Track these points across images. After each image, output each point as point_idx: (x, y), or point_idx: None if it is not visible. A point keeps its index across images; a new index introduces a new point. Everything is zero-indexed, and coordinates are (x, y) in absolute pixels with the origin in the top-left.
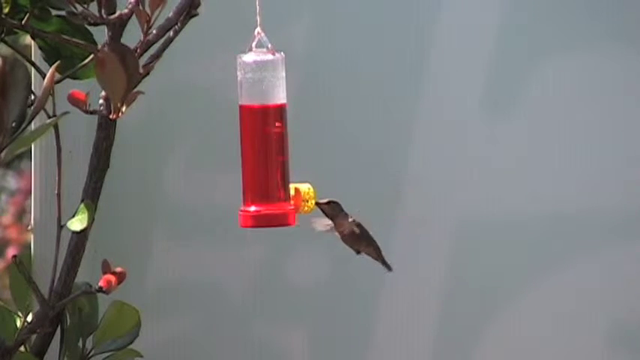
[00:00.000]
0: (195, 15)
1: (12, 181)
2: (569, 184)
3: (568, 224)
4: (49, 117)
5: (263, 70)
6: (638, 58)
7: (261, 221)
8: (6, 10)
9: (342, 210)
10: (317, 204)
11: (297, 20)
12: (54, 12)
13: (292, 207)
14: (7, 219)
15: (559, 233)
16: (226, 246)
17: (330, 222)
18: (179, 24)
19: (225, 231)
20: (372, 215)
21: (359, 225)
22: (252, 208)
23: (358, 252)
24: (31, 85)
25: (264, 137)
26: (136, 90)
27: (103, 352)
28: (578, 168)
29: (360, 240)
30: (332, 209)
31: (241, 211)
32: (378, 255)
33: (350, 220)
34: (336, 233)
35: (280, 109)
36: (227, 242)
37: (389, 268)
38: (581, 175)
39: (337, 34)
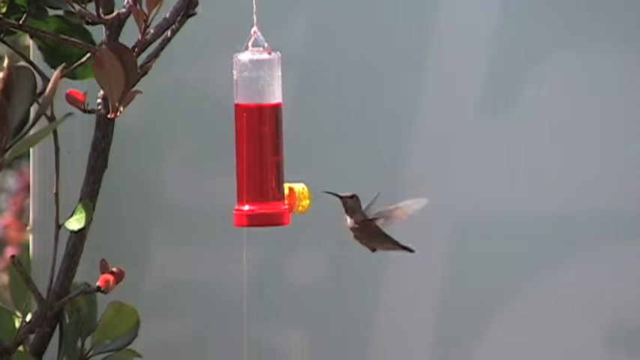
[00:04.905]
0: (193, 14)
1: (11, 181)
2: (569, 184)
3: (568, 224)
4: (47, 117)
5: (259, 70)
6: (638, 58)
7: (255, 221)
8: (3, 10)
9: (361, 206)
10: (340, 197)
11: (296, 19)
12: (52, 12)
13: (286, 207)
14: (7, 219)
15: (559, 233)
16: (226, 246)
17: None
18: (177, 23)
19: (225, 231)
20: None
21: (375, 221)
22: (247, 208)
23: (374, 250)
24: (35, 88)
25: (259, 137)
26: (134, 89)
27: (102, 352)
28: (578, 168)
29: (379, 236)
30: (354, 203)
31: (236, 210)
32: (396, 245)
33: (369, 217)
34: (350, 231)
35: (276, 109)
36: (226, 242)
37: (411, 250)
38: (581, 175)
39: (336, 33)
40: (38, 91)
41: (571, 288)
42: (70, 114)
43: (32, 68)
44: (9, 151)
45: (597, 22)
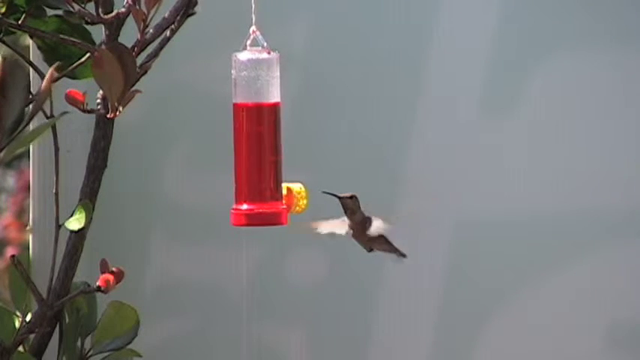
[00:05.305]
0: (192, 14)
1: (11, 181)
2: (569, 184)
3: (568, 224)
4: (47, 117)
5: (258, 69)
6: (638, 58)
7: (253, 220)
8: (2, 10)
9: (360, 207)
10: (339, 197)
11: (296, 19)
12: (51, 11)
13: (284, 206)
14: (7, 219)
15: (559, 233)
16: (225, 246)
17: (334, 223)
18: (176, 23)
19: (225, 231)
20: (371, 214)
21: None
22: (245, 207)
23: (371, 250)
24: (30, 85)
25: (257, 136)
26: (133, 89)
27: (102, 352)
28: (578, 168)
29: (378, 237)
30: (354, 203)
31: (234, 209)
32: (392, 248)
33: (368, 217)
34: (350, 230)
35: (274, 108)
36: (226, 242)
37: (404, 255)
38: (581, 175)
39: (336, 33)
40: (37, 91)
41: (571, 288)
42: (65, 112)
43: (29, 66)
44: (5, 149)
45: (597, 22)
